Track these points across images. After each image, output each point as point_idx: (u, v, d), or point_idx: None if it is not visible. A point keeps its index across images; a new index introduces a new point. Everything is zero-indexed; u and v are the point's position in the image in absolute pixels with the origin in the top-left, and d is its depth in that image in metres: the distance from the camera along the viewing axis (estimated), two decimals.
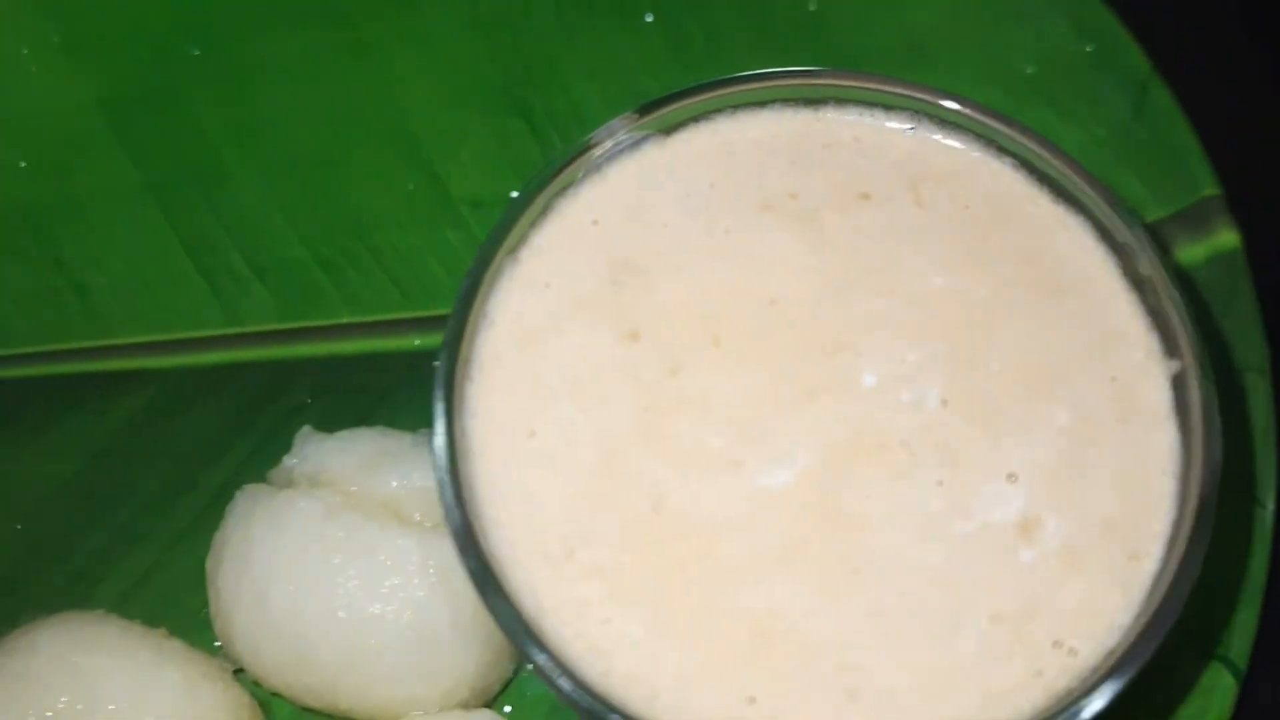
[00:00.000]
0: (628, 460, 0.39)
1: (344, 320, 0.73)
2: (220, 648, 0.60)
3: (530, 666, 0.40)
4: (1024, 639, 0.37)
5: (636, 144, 0.45)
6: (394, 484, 0.58)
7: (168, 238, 0.75)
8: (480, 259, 0.41)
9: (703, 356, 0.41)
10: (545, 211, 0.43)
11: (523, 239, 0.43)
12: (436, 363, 0.41)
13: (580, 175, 0.45)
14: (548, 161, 0.46)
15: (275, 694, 0.60)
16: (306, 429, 0.63)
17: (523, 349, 0.41)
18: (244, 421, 0.70)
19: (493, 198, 0.75)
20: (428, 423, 0.46)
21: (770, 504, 0.39)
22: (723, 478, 0.39)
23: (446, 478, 0.38)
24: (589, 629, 0.37)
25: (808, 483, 0.39)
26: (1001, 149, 0.45)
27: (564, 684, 0.36)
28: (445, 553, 0.57)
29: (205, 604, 0.61)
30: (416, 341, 0.73)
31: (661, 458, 0.39)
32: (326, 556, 0.55)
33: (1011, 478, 0.39)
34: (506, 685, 0.61)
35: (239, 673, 0.60)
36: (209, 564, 0.59)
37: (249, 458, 0.68)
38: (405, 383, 0.70)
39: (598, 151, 0.45)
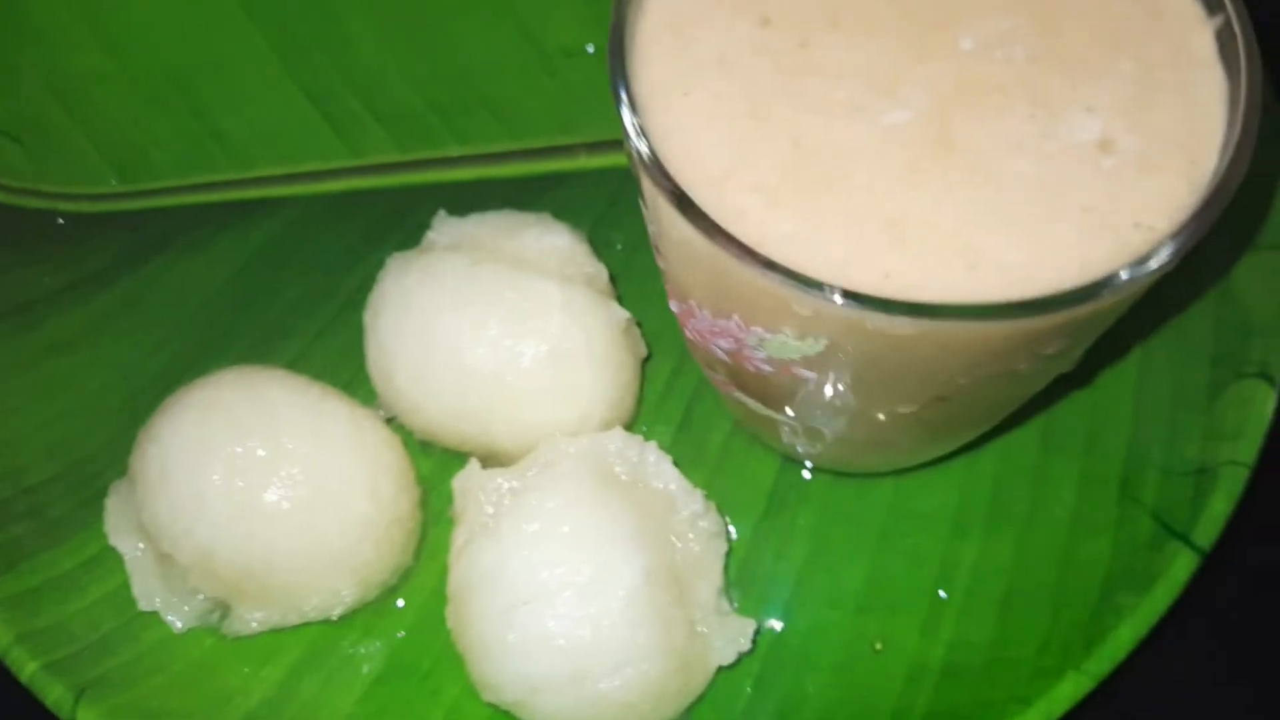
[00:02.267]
0: (770, 109, 0.47)
1: (454, 153, 0.82)
2: (374, 402, 0.68)
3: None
4: (1110, 223, 0.45)
5: None
6: (529, 244, 0.66)
7: (292, 90, 0.84)
8: None
9: (826, 33, 0.49)
10: None
11: None
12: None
13: None
14: None
15: (424, 441, 0.67)
16: (442, 212, 0.70)
17: (675, 33, 0.49)
18: (375, 238, 0.78)
19: (581, 49, 0.84)
20: None
21: (893, 136, 0.47)
22: (852, 118, 0.47)
23: (631, 117, 0.46)
24: (747, 229, 0.45)
25: (923, 119, 0.47)
26: None
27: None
28: (579, 295, 0.65)
29: (348, 382, 0.69)
30: (522, 169, 0.81)
31: (799, 107, 0.47)
32: (477, 298, 0.63)
33: (1090, 109, 0.47)
34: (634, 415, 0.69)
35: (390, 421, 0.67)
36: (367, 318, 0.66)
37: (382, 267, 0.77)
38: (516, 204, 0.78)
39: None
